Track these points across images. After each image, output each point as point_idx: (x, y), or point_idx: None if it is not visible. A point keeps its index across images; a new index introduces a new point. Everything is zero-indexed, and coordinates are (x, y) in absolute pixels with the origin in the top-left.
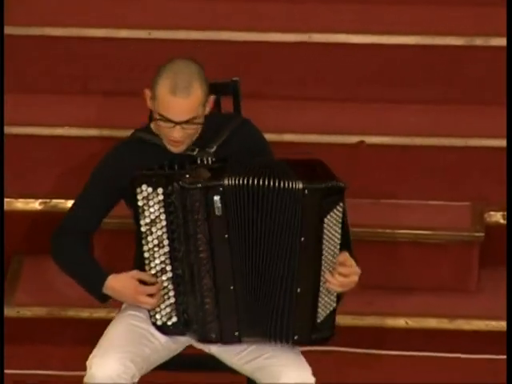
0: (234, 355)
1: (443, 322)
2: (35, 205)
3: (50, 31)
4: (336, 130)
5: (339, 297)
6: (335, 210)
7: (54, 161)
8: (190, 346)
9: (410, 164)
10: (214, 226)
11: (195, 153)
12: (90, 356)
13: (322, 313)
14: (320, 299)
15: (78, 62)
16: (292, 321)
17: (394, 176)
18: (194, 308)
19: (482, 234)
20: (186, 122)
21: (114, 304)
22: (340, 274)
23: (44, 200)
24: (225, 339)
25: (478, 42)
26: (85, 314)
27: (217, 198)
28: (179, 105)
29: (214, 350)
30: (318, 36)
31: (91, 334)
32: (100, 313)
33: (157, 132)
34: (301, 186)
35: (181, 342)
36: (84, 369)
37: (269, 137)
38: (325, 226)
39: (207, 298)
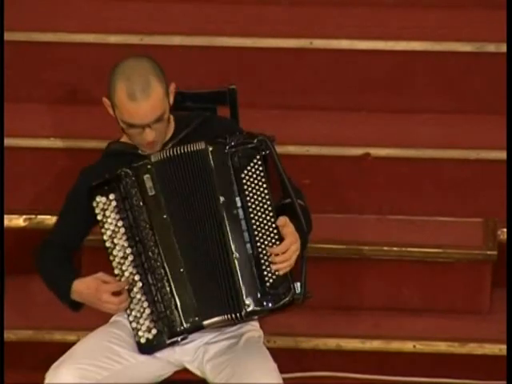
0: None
1: (454, 345)
2: (19, 221)
3: (37, 37)
4: (339, 141)
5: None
6: (252, 165)
7: (38, 174)
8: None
9: (417, 178)
10: (151, 208)
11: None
12: None
13: (272, 276)
14: (263, 261)
15: (65, 69)
16: (239, 289)
17: (400, 191)
18: (159, 307)
19: (495, 253)
20: (155, 121)
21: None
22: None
23: (29, 216)
24: (189, 328)
25: (490, 48)
26: (72, 336)
27: (147, 176)
28: (142, 109)
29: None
30: (319, 42)
31: None
32: None
33: (129, 140)
34: (203, 145)
35: (167, 365)
36: None
37: None
38: (244, 182)
39: (164, 289)
